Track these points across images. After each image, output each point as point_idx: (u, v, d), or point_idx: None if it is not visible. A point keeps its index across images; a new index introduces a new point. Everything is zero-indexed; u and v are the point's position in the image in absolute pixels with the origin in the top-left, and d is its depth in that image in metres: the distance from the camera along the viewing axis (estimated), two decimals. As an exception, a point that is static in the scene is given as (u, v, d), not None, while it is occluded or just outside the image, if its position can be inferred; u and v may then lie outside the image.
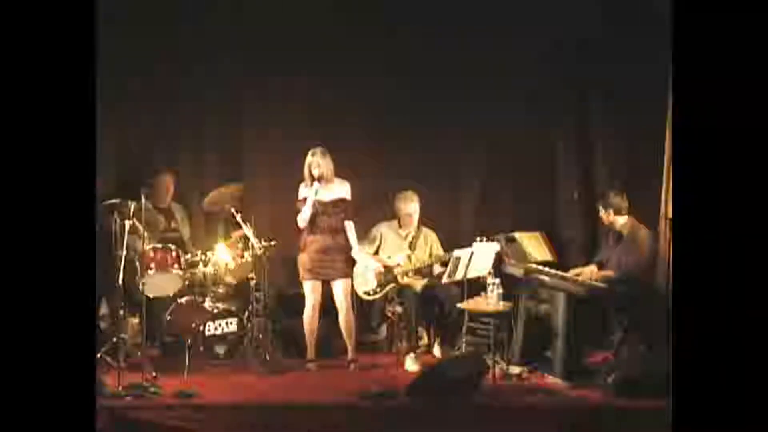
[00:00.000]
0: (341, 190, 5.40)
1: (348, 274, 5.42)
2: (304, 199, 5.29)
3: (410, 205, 5.77)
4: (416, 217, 5.80)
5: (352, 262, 5.49)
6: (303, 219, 5.27)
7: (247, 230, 5.45)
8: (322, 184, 5.22)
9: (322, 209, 5.29)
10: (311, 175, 5.27)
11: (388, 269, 5.74)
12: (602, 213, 5.31)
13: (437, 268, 5.81)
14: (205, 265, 5.65)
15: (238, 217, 5.44)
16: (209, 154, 6.22)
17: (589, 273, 5.25)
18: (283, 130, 6.07)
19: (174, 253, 5.56)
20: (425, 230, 5.90)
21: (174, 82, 5.94)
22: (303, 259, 5.43)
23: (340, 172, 5.45)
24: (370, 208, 5.96)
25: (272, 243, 5.48)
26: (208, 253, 5.67)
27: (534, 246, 5.78)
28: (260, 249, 5.43)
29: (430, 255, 5.85)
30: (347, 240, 5.40)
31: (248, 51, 5.98)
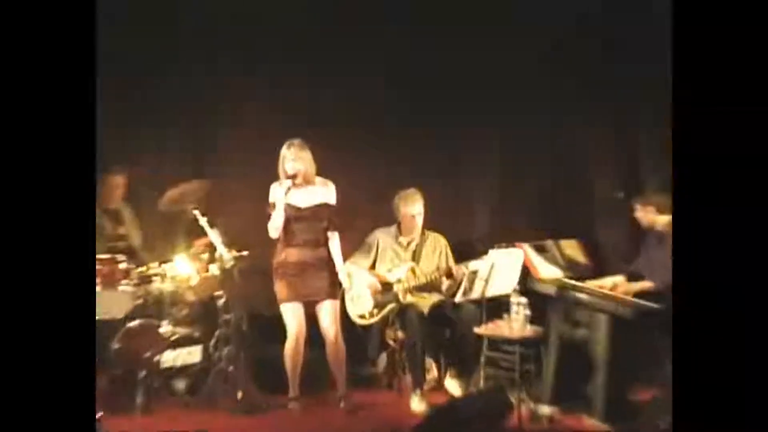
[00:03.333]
0: (323, 192, 5.43)
1: (335, 294, 5.45)
2: (275, 203, 5.34)
3: (413, 206, 5.84)
4: (420, 220, 5.88)
5: (339, 281, 5.58)
6: (274, 227, 5.29)
7: (214, 237, 5.50)
8: (296, 184, 5.27)
9: (297, 216, 5.34)
10: (285, 172, 5.31)
11: (387, 286, 5.83)
12: (639, 212, 5.36)
13: (447, 283, 5.90)
14: (162, 280, 5.68)
15: (203, 221, 5.49)
16: (172, 149, 6.51)
17: (620, 286, 5.27)
18: (260, 123, 6.31)
19: (122, 265, 5.60)
20: (432, 236, 5.99)
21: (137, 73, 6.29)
22: (280, 277, 5.45)
23: (324, 171, 5.50)
24: (366, 213, 6.15)
25: (245, 253, 5.54)
26: (166, 266, 5.72)
27: (570, 256, 5.75)
28: (230, 261, 5.49)
29: (439, 267, 5.91)
30: (332, 254, 5.47)
31: (215, 38, 6.39)
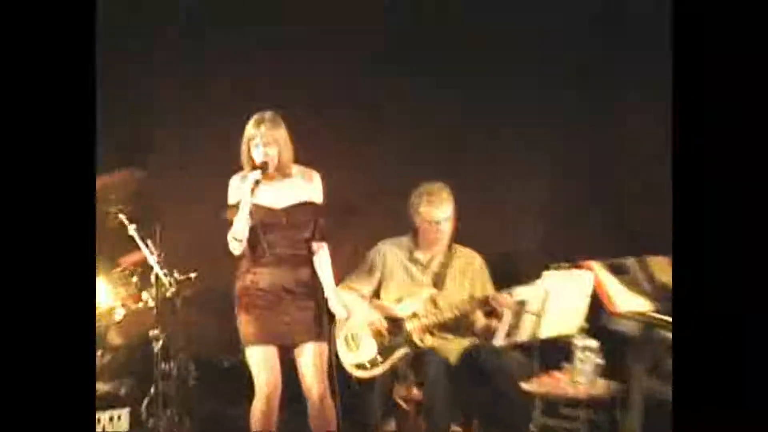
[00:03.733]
0: (305, 187, 4.95)
1: (322, 333, 4.90)
2: (238, 204, 4.84)
3: (438, 208, 5.38)
4: (448, 228, 5.43)
5: (329, 314, 5.00)
6: (235, 238, 4.80)
7: (148, 252, 5.17)
8: (267, 176, 4.80)
9: (268, 221, 4.85)
10: (251, 160, 4.81)
11: (396, 323, 5.44)
12: None
13: (483, 320, 5.51)
14: None
15: (132, 230, 5.16)
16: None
17: None
18: (215, 92, 6.14)
19: None
20: (463, 252, 5.59)
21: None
22: (245, 309, 4.90)
23: (306, 158, 5.07)
24: (366, 216, 5.96)
25: (192, 276, 5.27)
26: None
27: (660, 280, 5.20)
28: (171, 286, 5.17)
29: (472, 296, 5.49)
30: (318, 275, 4.94)
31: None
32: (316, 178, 4.99)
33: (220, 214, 4.90)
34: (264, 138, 4.82)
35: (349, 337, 5.44)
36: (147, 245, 5.21)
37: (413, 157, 6.17)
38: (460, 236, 5.62)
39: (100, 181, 4.85)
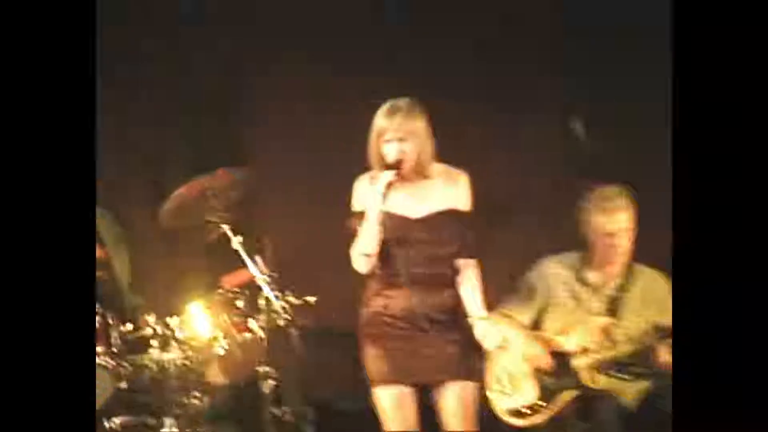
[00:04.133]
0: (449, 191, 4.65)
1: (470, 371, 4.62)
2: (365, 212, 4.59)
3: (615, 217, 5.05)
4: (625, 243, 5.08)
5: (479, 348, 4.71)
6: (363, 254, 4.55)
7: (257, 271, 4.77)
8: (402, 178, 4.51)
9: (403, 233, 4.58)
10: (380, 159, 4.52)
11: (562, 359, 5.13)
12: None
13: (668, 356, 5.17)
14: (164, 347, 5.01)
15: (237, 243, 4.74)
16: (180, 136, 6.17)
17: None
18: (328, 83, 5.84)
19: (96, 321, 5.05)
20: (644, 272, 5.23)
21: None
22: (373, 341, 4.65)
23: (448, 156, 4.77)
24: (522, 226, 5.71)
25: (311, 300, 4.86)
26: (171, 321, 5.02)
27: None
28: (284, 312, 4.69)
29: (658, 328, 5.17)
30: (464, 299, 4.65)
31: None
32: (463, 180, 4.68)
33: (345, 224, 4.67)
34: (398, 131, 4.50)
35: (503, 376, 5.15)
36: (255, 262, 4.79)
37: (578, 154, 5.85)
38: (640, 253, 5.26)
39: (196, 185, 4.89)
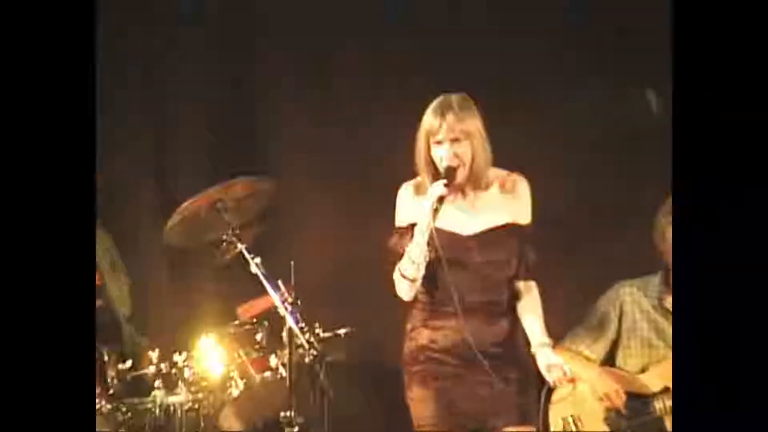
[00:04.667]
0: (507, 202, 4.25)
1: (530, 413, 4.20)
2: (410, 227, 4.12)
3: None
4: None
5: (541, 387, 4.23)
6: (406, 276, 4.10)
7: (279, 298, 4.36)
8: (455, 188, 4.08)
9: (455, 252, 4.14)
10: (430, 163, 4.09)
11: (640, 400, 4.78)
12: None
13: None
14: (169, 389, 4.63)
15: (255, 265, 4.34)
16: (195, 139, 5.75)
17: None
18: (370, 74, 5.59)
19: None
20: None
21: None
22: (419, 380, 4.19)
23: (506, 158, 4.34)
24: (593, 245, 5.26)
25: (342, 333, 4.60)
26: (179, 358, 4.66)
27: None
28: (311, 346, 4.36)
29: None
30: (525, 326, 4.23)
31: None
32: (523, 187, 4.21)
33: (385, 242, 4.29)
34: (452, 131, 4.07)
35: (570, 419, 4.79)
36: (276, 288, 4.35)
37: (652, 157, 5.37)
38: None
39: (207, 196, 4.48)
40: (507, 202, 4.23)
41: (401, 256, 4.17)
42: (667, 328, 4.83)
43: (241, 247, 4.43)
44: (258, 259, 4.42)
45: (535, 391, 4.28)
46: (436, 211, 4.08)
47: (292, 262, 4.52)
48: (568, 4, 5.64)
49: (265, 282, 4.41)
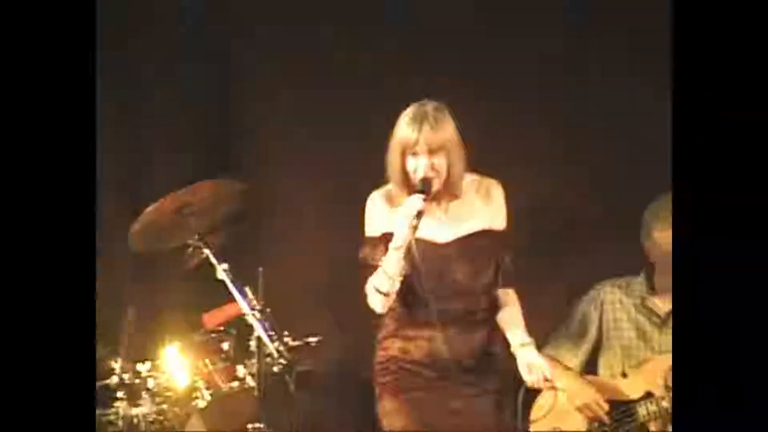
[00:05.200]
0: (482, 208, 4.17)
1: (508, 427, 4.16)
2: (383, 237, 4.02)
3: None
4: None
5: (517, 398, 4.15)
6: (380, 289, 3.99)
7: (247, 305, 4.27)
8: (432, 198, 3.99)
9: (430, 262, 4.04)
10: (404, 176, 3.97)
11: (624, 408, 4.60)
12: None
13: None
14: (132, 400, 4.54)
15: (222, 271, 4.25)
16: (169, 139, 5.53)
17: None
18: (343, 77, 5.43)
19: None
20: None
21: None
22: (391, 393, 4.08)
23: (477, 163, 4.33)
24: (568, 247, 5.10)
25: (312, 341, 4.49)
26: (142, 368, 4.53)
27: None
28: (280, 356, 4.26)
29: None
30: (503, 329, 4.11)
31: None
32: (497, 192, 4.10)
33: (358, 252, 4.18)
34: (428, 143, 3.92)
35: (550, 429, 4.65)
36: (244, 295, 4.27)
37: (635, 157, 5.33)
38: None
39: (172, 199, 4.33)
40: (482, 208, 4.13)
41: (374, 268, 4.05)
42: (650, 329, 4.74)
43: (207, 252, 4.34)
44: (225, 265, 4.32)
45: (513, 403, 4.13)
46: (415, 229, 3.95)
47: (261, 269, 4.40)
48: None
49: (232, 288, 4.29)
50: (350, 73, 5.55)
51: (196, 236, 4.35)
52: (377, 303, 4.00)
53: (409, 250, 4.02)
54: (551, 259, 5.16)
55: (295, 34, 5.81)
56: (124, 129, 5.60)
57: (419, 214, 3.90)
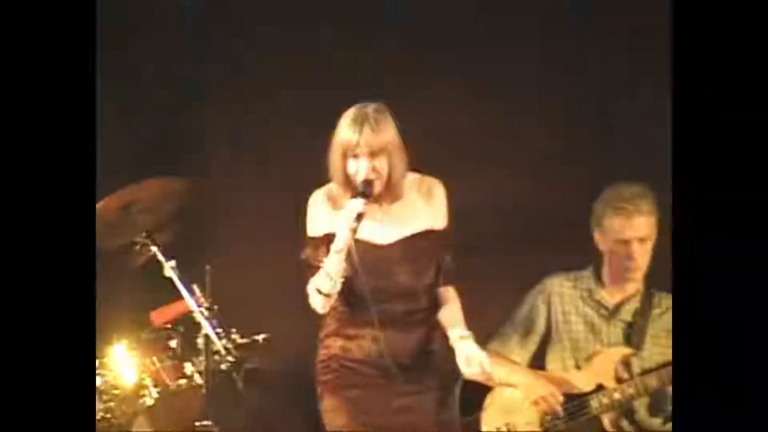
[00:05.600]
0: (424, 208, 4.14)
1: (451, 425, 4.13)
2: (326, 237, 4.00)
3: (633, 224, 4.51)
4: (645, 255, 4.52)
5: (461, 395, 4.33)
6: (322, 290, 3.95)
7: (194, 303, 4.26)
8: (373, 200, 3.95)
9: (370, 264, 4.02)
10: (345, 178, 3.96)
11: (575, 402, 4.55)
12: None
13: None
14: None
15: (170, 268, 4.27)
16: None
17: None
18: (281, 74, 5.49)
19: None
20: (665, 299, 4.70)
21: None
22: (332, 390, 4.07)
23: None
24: (514, 243, 5.16)
25: (260, 338, 4.42)
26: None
27: None
28: (227, 353, 4.26)
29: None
30: (443, 324, 4.09)
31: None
32: (439, 192, 4.08)
33: (300, 252, 4.13)
34: (369, 145, 3.87)
35: (502, 425, 4.58)
36: (192, 292, 4.26)
37: (584, 155, 5.39)
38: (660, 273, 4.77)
39: (119, 197, 4.29)
40: (423, 209, 4.11)
41: (316, 268, 4.01)
42: (598, 321, 4.67)
43: (154, 249, 4.33)
44: (173, 262, 4.31)
45: (455, 401, 4.18)
46: (355, 231, 3.91)
47: (208, 266, 4.41)
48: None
49: (179, 286, 4.28)
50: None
51: (144, 234, 4.33)
52: (318, 303, 3.97)
53: (350, 253, 4.01)
54: (492, 258, 5.10)
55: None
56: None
57: (359, 217, 3.86)
